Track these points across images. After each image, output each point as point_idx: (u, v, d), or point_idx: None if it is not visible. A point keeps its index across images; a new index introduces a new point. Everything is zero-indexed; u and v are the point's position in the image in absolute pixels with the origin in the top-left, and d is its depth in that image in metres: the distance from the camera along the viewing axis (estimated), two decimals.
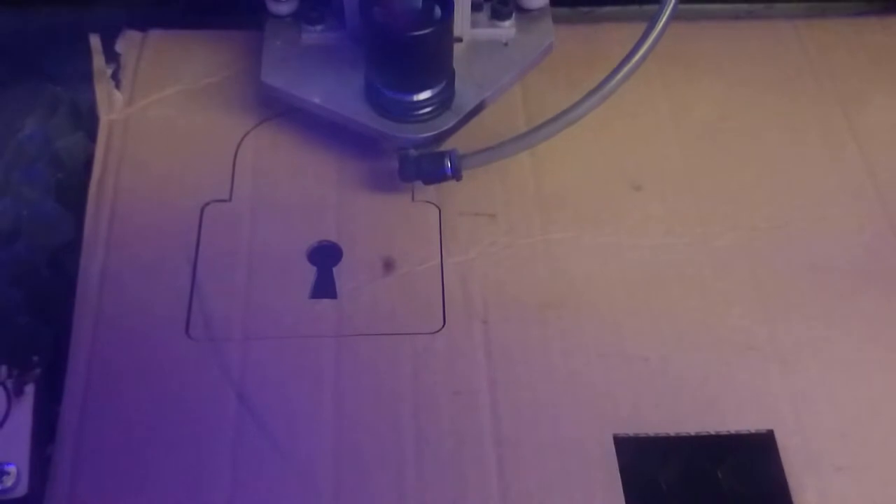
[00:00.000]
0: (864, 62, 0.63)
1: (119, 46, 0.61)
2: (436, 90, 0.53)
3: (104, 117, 0.58)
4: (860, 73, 0.63)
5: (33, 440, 0.47)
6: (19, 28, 0.62)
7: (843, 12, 0.66)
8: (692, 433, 0.47)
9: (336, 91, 0.54)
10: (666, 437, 0.47)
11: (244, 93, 0.59)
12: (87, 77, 0.58)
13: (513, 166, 0.57)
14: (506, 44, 0.57)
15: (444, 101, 0.53)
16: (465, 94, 0.54)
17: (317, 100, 0.54)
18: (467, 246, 0.54)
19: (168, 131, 0.58)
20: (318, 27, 0.56)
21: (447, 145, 0.55)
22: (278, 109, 0.59)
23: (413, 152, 0.53)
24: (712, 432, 0.47)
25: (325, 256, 0.53)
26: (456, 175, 0.53)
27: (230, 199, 0.55)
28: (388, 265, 0.53)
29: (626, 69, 0.51)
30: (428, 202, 0.56)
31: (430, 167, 0.53)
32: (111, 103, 0.58)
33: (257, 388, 0.48)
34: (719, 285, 0.53)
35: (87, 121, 0.59)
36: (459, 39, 0.56)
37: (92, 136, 0.58)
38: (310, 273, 0.53)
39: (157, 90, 0.60)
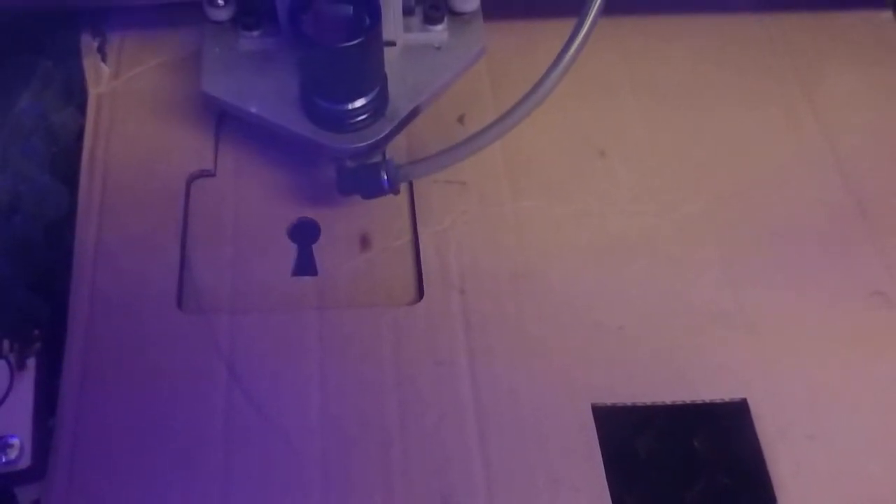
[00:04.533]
0: (821, 37, 0.58)
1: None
2: (369, 98, 0.47)
3: (93, 90, 0.54)
4: (817, 47, 0.57)
5: (35, 413, 0.44)
6: (12, 5, 0.56)
7: None
8: (668, 402, 0.44)
9: (272, 99, 0.49)
10: (643, 407, 0.44)
11: None
12: (77, 52, 0.54)
13: None
14: (438, 48, 0.50)
15: (377, 109, 0.48)
16: (399, 101, 0.49)
17: (253, 109, 0.48)
18: (441, 215, 0.50)
19: (153, 103, 0.54)
20: (255, 33, 0.50)
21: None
22: None
23: (350, 164, 0.48)
24: (687, 401, 0.44)
25: (305, 233, 0.50)
26: (393, 188, 0.47)
27: (215, 173, 0.51)
28: (365, 241, 0.49)
29: (559, 69, 0.44)
30: None
31: (366, 180, 0.48)
32: (98, 76, 0.54)
33: (246, 361, 0.45)
34: (686, 253, 0.49)
35: (78, 95, 0.54)
36: (393, 43, 0.49)
37: (83, 109, 0.53)
38: (291, 250, 0.49)
39: (142, 62, 0.55)
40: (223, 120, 0.53)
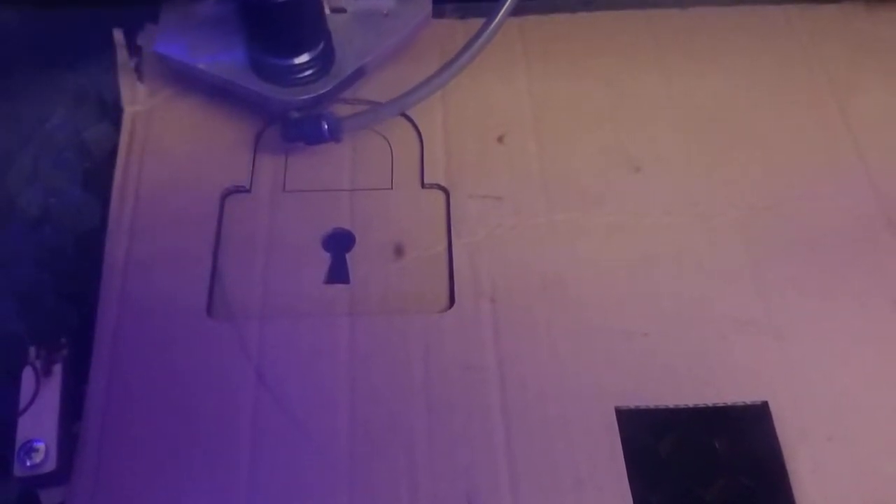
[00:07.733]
0: (853, 48, 0.57)
1: (140, 40, 0.55)
2: (313, 54, 0.49)
3: (128, 108, 0.53)
4: (848, 58, 0.57)
5: (61, 418, 0.42)
6: (48, 24, 0.57)
7: None
8: (690, 405, 0.43)
9: (222, 57, 0.51)
10: (665, 409, 0.43)
11: None
12: (112, 70, 0.53)
13: (518, 151, 0.52)
14: (386, 14, 0.53)
15: (323, 67, 0.50)
16: (345, 61, 0.51)
17: (202, 66, 0.50)
18: (475, 228, 0.49)
19: (190, 122, 0.53)
20: None
21: None
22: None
23: (295, 114, 0.50)
24: (709, 404, 0.43)
25: (339, 243, 0.48)
26: (335, 136, 0.50)
27: (250, 189, 0.50)
28: (399, 250, 0.48)
29: (486, 33, 0.49)
30: (438, 186, 0.50)
31: (309, 129, 0.49)
32: (134, 95, 0.53)
33: (275, 366, 0.44)
34: (716, 262, 0.48)
35: (112, 112, 0.53)
36: (344, 10, 0.52)
37: (117, 126, 0.52)
38: (324, 259, 0.48)
39: (179, 82, 0.54)
40: (261, 138, 0.52)
